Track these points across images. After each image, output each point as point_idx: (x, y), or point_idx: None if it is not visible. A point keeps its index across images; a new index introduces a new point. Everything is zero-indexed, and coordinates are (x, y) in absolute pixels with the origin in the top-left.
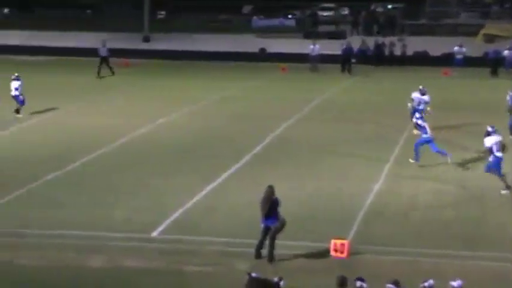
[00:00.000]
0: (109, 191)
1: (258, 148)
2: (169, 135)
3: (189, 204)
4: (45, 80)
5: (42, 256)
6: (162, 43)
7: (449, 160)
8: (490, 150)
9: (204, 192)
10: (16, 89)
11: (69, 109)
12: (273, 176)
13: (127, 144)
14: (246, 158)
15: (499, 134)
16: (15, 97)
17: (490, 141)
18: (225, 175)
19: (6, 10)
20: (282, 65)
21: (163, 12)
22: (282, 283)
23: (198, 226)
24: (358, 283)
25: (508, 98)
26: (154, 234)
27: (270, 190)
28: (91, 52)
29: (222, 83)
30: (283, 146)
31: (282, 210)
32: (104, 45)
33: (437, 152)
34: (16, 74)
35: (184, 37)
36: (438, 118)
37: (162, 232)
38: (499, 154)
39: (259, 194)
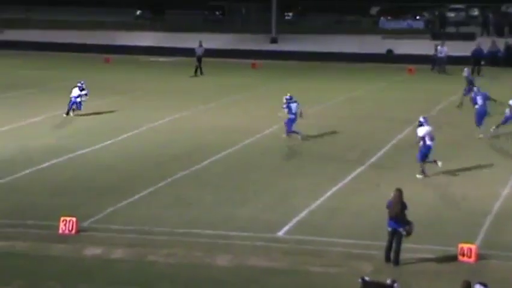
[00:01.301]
0: (236, 190)
1: (384, 150)
2: (295, 136)
3: (314, 205)
4: (176, 81)
5: (170, 253)
6: (289, 44)
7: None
8: (422, 139)
9: (329, 194)
10: (78, 96)
11: (198, 109)
12: (398, 178)
13: (253, 145)
14: (372, 159)
15: (430, 124)
16: (75, 103)
17: (422, 131)
18: (350, 177)
19: (138, 12)
20: (410, 66)
21: (290, 14)
22: (395, 285)
23: (323, 227)
24: (477, 286)
25: (472, 94)
26: (280, 234)
27: (399, 193)
28: (219, 54)
29: (348, 84)
30: (410, 149)
31: (408, 213)
32: (200, 45)
33: None
34: (82, 82)
35: (311, 38)
36: None
37: (287, 232)
38: (429, 143)
39: (385, 196)
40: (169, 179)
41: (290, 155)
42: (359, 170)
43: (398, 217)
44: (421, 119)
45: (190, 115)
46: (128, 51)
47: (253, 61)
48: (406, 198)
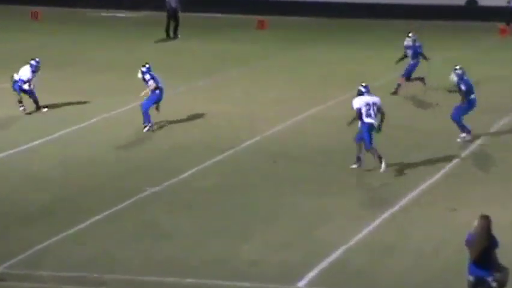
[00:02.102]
0: (233, 216)
1: (464, 154)
2: (323, 132)
3: (354, 241)
4: (143, 48)
5: None
6: None
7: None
8: (359, 114)
9: (376, 222)
10: (24, 81)
11: (178, 92)
12: (486, 198)
13: (259, 146)
14: (444, 169)
15: (373, 95)
16: (26, 90)
17: (358, 102)
18: (409, 195)
19: None
20: (502, 24)
21: None
22: None
23: (366, 274)
24: None
25: (454, 77)
26: (301, 284)
27: (486, 223)
28: (208, 6)
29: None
30: (496, 153)
31: (500, 254)
32: None
33: None
34: (37, 60)
35: None
36: None
37: (313, 282)
38: (368, 120)
39: (464, 226)
40: (132, 199)
41: (316, 161)
42: (423, 185)
43: (485, 259)
44: (361, 88)
45: (165, 100)
46: (67, 1)
47: (259, 18)
48: (496, 229)
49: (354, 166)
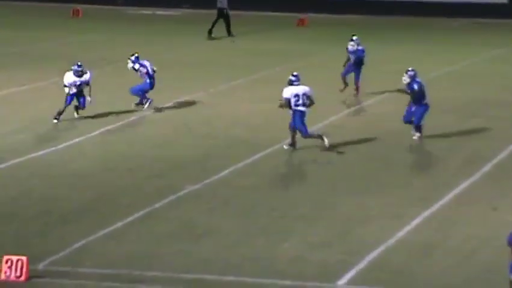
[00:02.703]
0: (271, 215)
1: (504, 153)
2: (363, 130)
3: (394, 239)
4: (184, 47)
5: None
6: None
7: None
8: (288, 103)
9: (417, 221)
10: (65, 85)
11: (217, 90)
12: None
13: (301, 144)
14: (485, 168)
15: (302, 84)
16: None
17: (287, 92)
18: (450, 195)
19: None
20: None
21: None
22: None
23: (406, 272)
24: None
25: (407, 79)
26: (340, 283)
27: None
28: (249, 4)
29: (445, 51)
30: None
31: None
32: None
33: None
34: (79, 63)
35: None
36: None
37: (352, 281)
38: (298, 108)
39: (505, 225)
40: (171, 197)
41: (356, 161)
42: (463, 183)
43: None
44: (292, 77)
45: (203, 98)
46: None
47: (300, 15)
48: None
49: (285, 147)
